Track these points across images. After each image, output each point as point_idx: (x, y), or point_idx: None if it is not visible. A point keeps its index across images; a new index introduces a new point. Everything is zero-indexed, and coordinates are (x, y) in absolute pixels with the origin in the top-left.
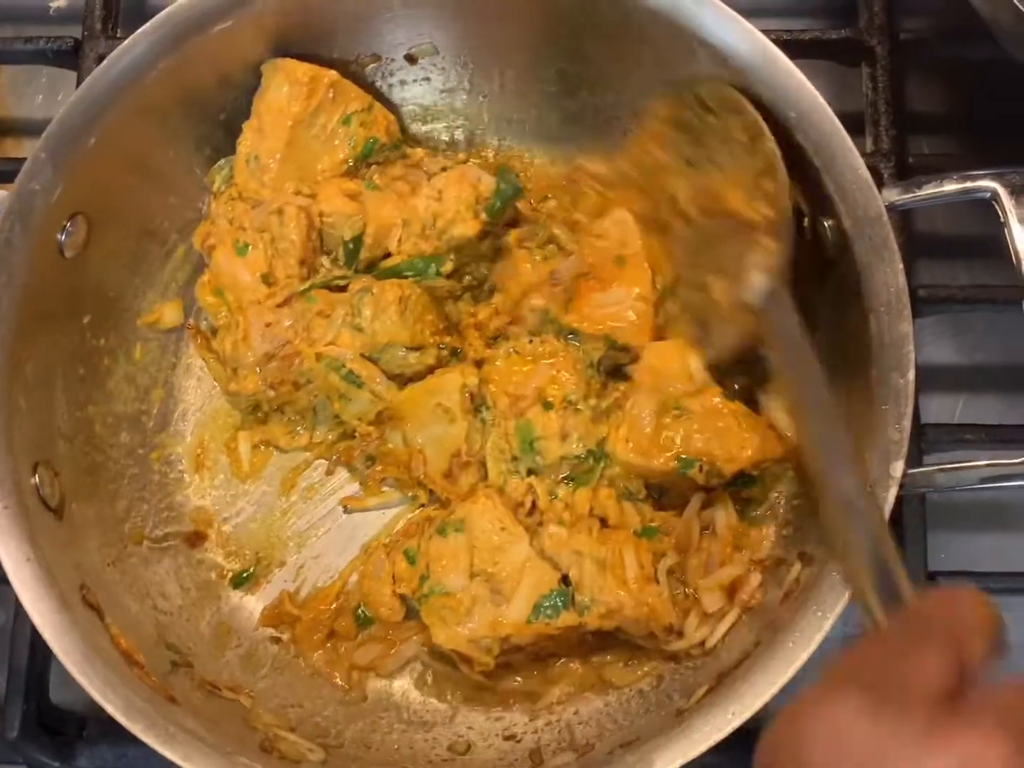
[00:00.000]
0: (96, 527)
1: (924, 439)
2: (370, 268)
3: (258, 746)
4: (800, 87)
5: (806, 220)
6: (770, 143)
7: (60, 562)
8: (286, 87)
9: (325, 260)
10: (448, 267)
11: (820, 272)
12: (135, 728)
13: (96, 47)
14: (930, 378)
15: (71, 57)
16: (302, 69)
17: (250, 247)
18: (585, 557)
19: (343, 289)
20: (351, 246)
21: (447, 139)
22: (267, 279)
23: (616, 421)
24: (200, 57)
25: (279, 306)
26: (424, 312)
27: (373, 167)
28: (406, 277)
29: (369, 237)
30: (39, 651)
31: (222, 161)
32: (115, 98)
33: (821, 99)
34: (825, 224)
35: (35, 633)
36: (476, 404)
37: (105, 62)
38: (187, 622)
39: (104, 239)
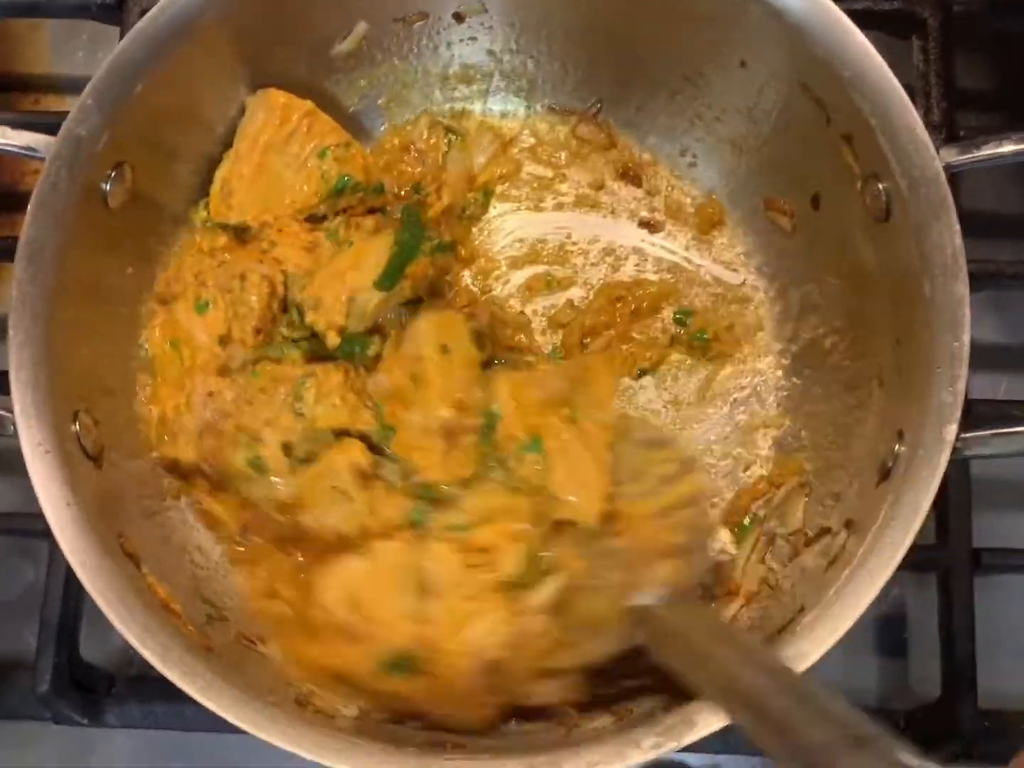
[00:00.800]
0: (135, 479)
1: (969, 414)
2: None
3: (293, 700)
4: (856, 44)
5: (859, 183)
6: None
7: (99, 510)
8: (261, 113)
9: (284, 328)
10: (373, 349)
11: (868, 235)
12: (172, 675)
13: (140, 1)
14: (974, 356)
15: (115, 12)
16: (278, 97)
17: (210, 306)
18: None
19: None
20: (299, 310)
21: (488, 100)
22: (223, 341)
23: None
24: (252, 4)
25: (222, 376)
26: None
27: (339, 217)
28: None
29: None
30: (71, 606)
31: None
32: (165, 45)
33: (878, 57)
34: (879, 187)
35: (67, 588)
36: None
37: (155, 8)
38: (224, 578)
39: (149, 188)
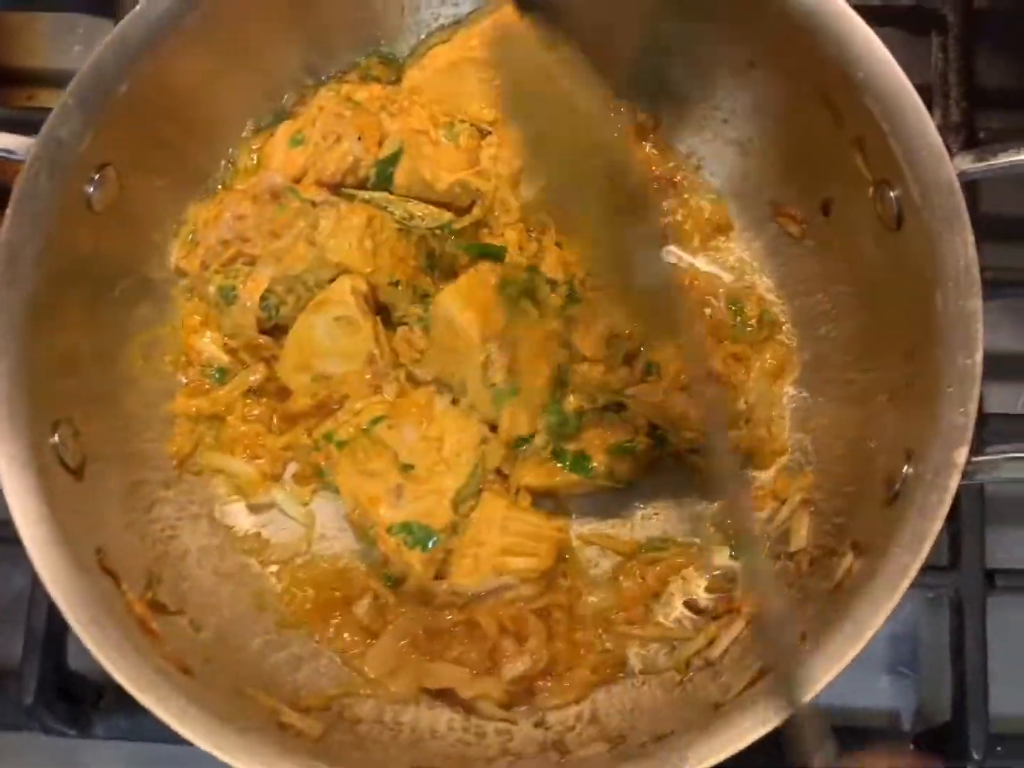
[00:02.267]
0: (118, 491)
1: (986, 429)
2: None
3: (276, 724)
4: (870, 46)
5: (871, 189)
6: None
7: (77, 524)
8: None
9: None
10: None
11: (879, 244)
12: (145, 700)
13: None
14: (992, 366)
15: (108, 5)
16: None
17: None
18: None
19: None
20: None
21: None
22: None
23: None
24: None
25: (254, 202)
26: (395, 247)
27: None
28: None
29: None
30: (57, 615)
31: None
32: (151, 42)
33: (892, 60)
34: (891, 194)
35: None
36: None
37: (139, 5)
38: (211, 594)
39: (133, 192)
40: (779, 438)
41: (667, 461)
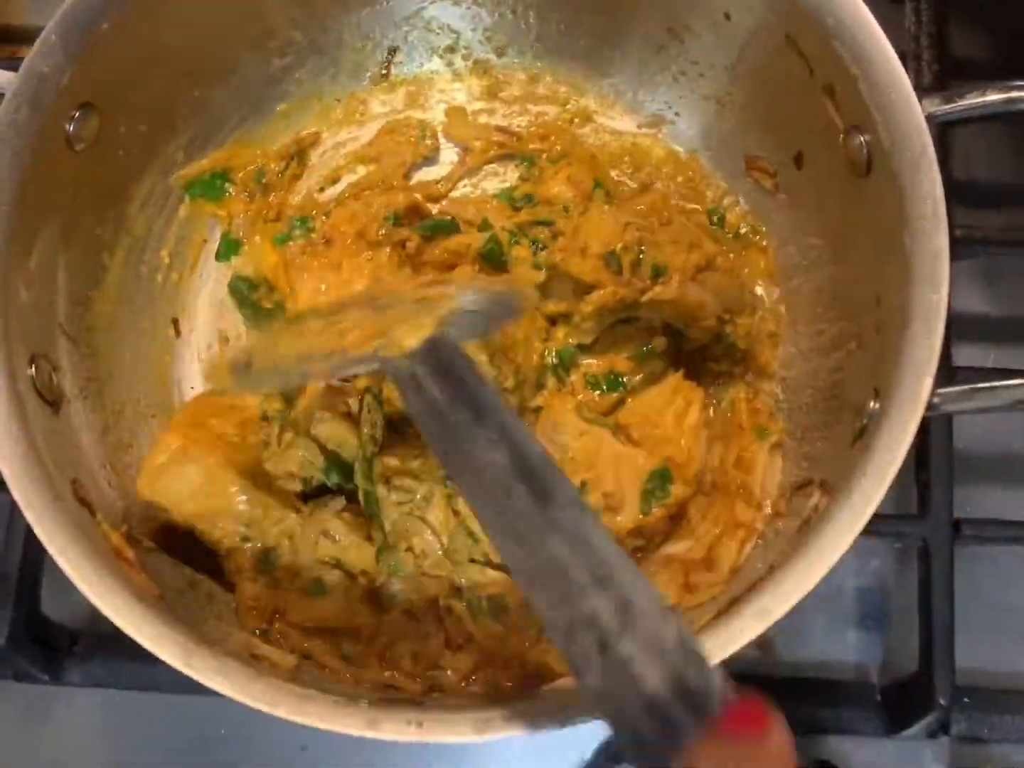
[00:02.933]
0: (95, 429)
1: (955, 381)
2: None
3: (249, 655)
4: None
5: (841, 136)
6: None
7: (53, 454)
8: None
9: None
10: None
11: (850, 191)
12: (120, 622)
13: None
14: (963, 326)
15: None
16: None
17: None
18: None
19: None
20: None
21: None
22: None
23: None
24: None
25: None
26: None
27: None
28: None
29: None
30: (31, 559)
31: None
32: None
33: (861, 4)
34: (861, 139)
35: (27, 542)
36: None
37: None
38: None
39: (114, 134)
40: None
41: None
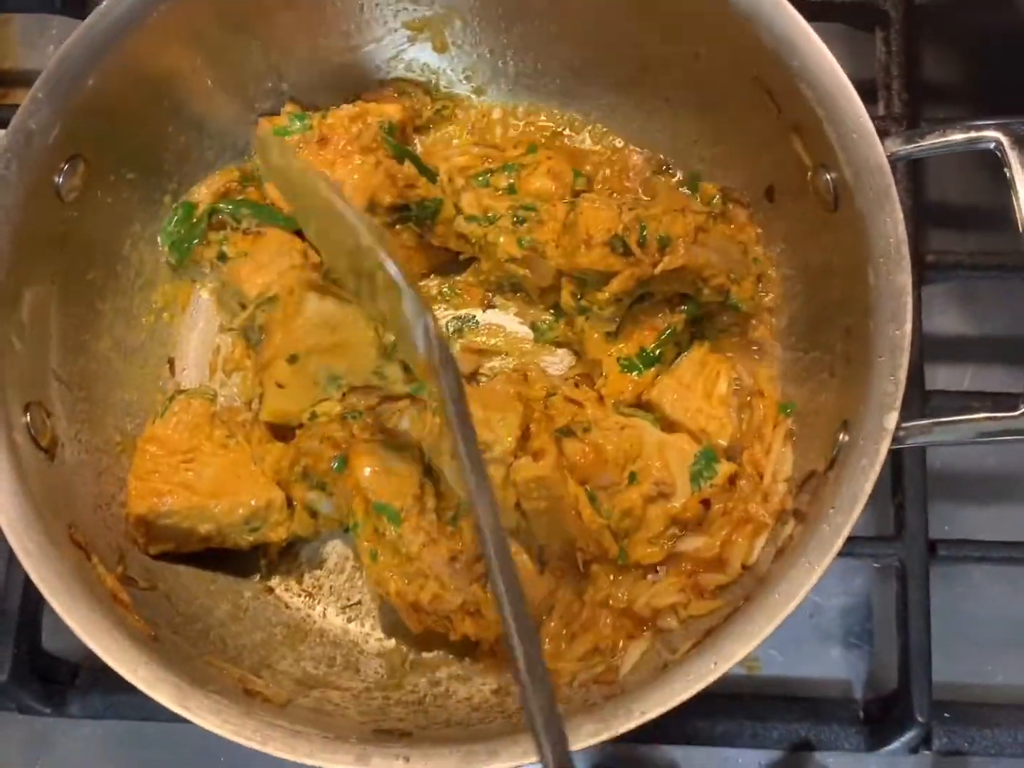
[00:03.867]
0: (87, 473)
1: (929, 405)
2: None
3: (242, 691)
4: (803, 35)
5: (809, 173)
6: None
7: (49, 500)
8: None
9: None
10: None
11: (819, 226)
12: (115, 664)
13: None
14: (938, 348)
15: (80, 6)
16: None
17: None
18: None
19: None
20: None
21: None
22: None
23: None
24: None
25: None
26: None
27: None
28: None
29: None
30: (32, 596)
31: None
32: (116, 38)
33: (824, 48)
34: (827, 177)
35: (28, 579)
36: None
37: (105, 2)
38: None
39: (103, 183)
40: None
41: None
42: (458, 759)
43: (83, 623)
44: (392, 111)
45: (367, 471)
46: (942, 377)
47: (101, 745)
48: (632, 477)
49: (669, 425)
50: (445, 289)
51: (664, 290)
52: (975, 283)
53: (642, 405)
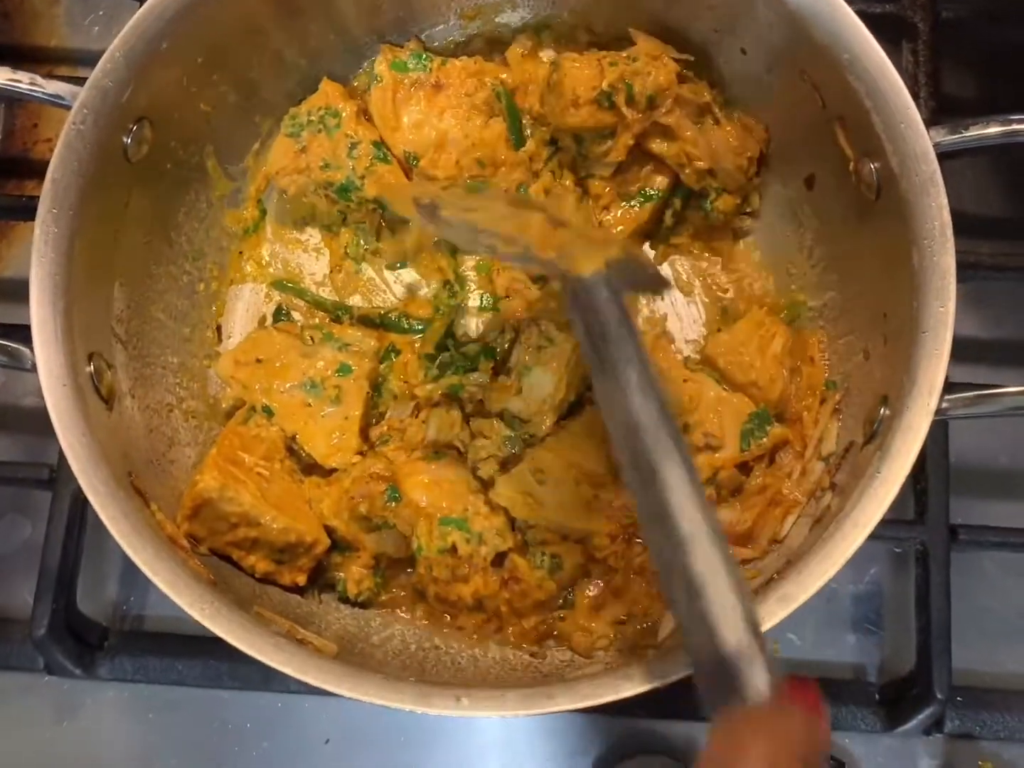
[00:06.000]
0: (141, 427)
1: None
2: None
3: (295, 640)
4: (854, 28)
5: (851, 163)
6: None
7: (109, 447)
8: None
9: None
10: None
11: (863, 213)
12: (181, 601)
13: None
14: (955, 347)
15: None
16: None
17: None
18: None
19: None
20: None
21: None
22: None
23: None
24: None
25: None
26: None
27: None
28: None
29: None
30: (70, 556)
31: None
32: (191, 4)
33: (873, 40)
34: (871, 166)
35: (67, 539)
36: None
37: None
38: None
39: (164, 148)
40: None
41: None
42: (516, 700)
43: (150, 562)
44: (507, 75)
45: (424, 498)
46: (959, 374)
47: (126, 709)
48: (685, 428)
49: (722, 378)
50: None
51: (657, 153)
52: (990, 285)
53: (704, 360)
